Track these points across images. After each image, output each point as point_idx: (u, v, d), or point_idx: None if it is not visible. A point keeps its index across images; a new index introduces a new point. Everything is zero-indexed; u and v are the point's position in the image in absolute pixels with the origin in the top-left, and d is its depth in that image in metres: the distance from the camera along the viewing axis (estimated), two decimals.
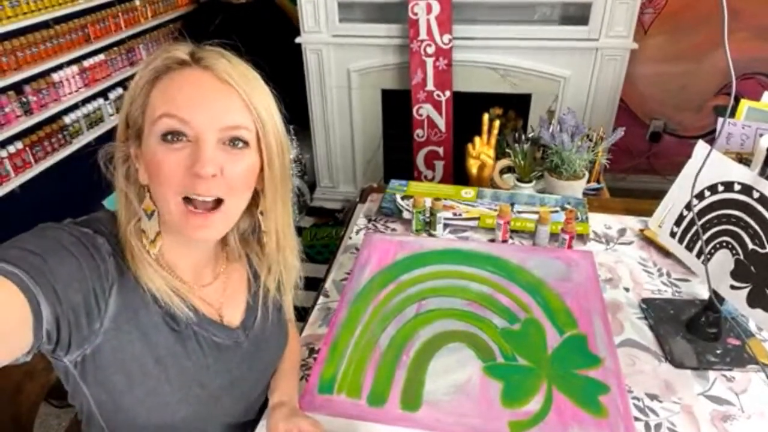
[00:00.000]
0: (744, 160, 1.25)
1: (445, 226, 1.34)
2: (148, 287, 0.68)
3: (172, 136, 0.63)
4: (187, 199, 0.65)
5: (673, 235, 1.02)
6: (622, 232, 1.33)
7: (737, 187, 0.88)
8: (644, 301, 1.09)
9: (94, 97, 2.69)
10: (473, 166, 1.57)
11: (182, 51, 0.66)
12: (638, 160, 3.10)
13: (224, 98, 0.65)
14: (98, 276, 0.63)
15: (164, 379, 0.70)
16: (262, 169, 0.71)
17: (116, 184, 0.70)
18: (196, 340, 0.74)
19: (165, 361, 0.70)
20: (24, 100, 2.31)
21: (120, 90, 2.81)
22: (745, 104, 1.34)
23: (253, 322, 0.83)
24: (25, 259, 0.56)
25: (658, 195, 1.24)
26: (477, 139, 1.56)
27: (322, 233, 2.94)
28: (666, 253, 1.21)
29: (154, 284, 0.68)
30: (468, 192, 1.45)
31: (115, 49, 2.81)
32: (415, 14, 2.43)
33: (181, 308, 0.71)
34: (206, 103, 0.64)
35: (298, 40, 2.71)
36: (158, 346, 0.70)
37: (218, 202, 0.67)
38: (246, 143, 0.67)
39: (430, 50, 2.51)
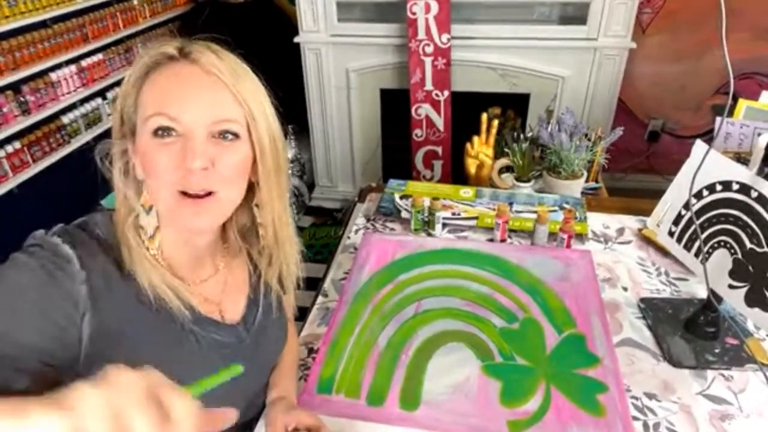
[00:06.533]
0: (742, 159, 1.25)
1: (444, 225, 1.34)
2: (144, 285, 0.68)
3: (162, 132, 0.64)
4: (178, 192, 0.65)
5: (671, 234, 1.02)
6: (620, 231, 1.33)
7: (735, 187, 0.88)
8: (643, 300, 1.09)
9: (92, 97, 2.70)
10: (472, 166, 1.57)
11: (171, 46, 0.66)
12: (637, 159, 3.11)
13: (212, 92, 0.65)
14: (65, 309, 0.62)
15: None
16: (255, 162, 0.71)
17: (114, 181, 0.70)
18: (195, 340, 0.73)
19: (160, 366, 0.70)
20: (22, 99, 2.31)
21: (118, 89, 2.82)
22: (743, 104, 1.35)
23: (254, 318, 0.82)
24: None
25: (657, 194, 1.24)
26: (476, 138, 1.56)
27: (321, 233, 2.94)
28: (664, 253, 1.22)
29: (151, 281, 0.68)
30: (467, 191, 1.45)
31: (114, 48, 2.81)
32: (414, 14, 2.43)
33: (177, 306, 0.70)
34: (195, 98, 0.64)
35: (296, 39, 2.71)
36: (152, 353, 0.69)
37: (212, 193, 0.67)
38: (236, 136, 0.67)
39: (429, 50, 2.51)
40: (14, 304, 0.60)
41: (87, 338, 0.64)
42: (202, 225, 0.69)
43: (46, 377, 0.60)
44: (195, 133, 0.64)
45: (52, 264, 0.62)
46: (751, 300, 0.85)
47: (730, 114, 1.36)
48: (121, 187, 0.69)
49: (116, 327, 0.66)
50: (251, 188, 0.74)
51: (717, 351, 0.96)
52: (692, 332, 0.99)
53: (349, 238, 1.33)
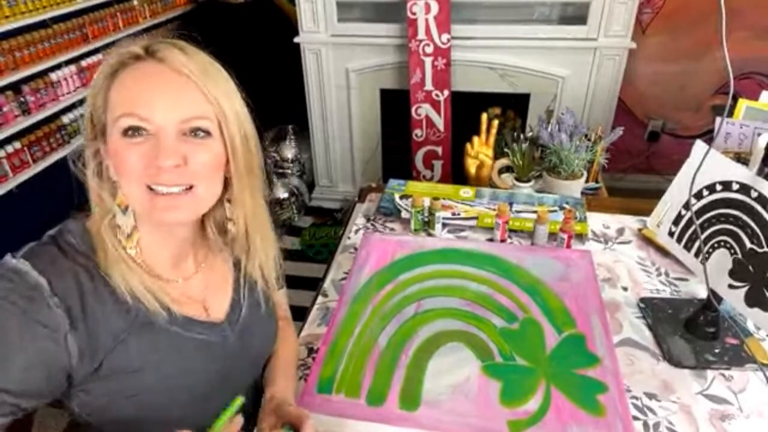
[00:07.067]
0: (742, 159, 1.25)
1: (444, 225, 1.34)
2: (122, 287, 0.67)
3: (133, 132, 0.64)
4: (151, 189, 0.65)
5: (671, 234, 1.02)
6: (620, 231, 1.33)
7: (735, 187, 0.88)
8: (642, 300, 1.09)
9: None
10: (472, 166, 1.57)
11: (137, 45, 0.66)
12: (637, 159, 3.11)
13: (181, 90, 0.65)
14: (49, 336, 0.63)
15: (148, 389, 0.71)
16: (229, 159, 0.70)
17: (88, 182, 0.69)
18: (175, 344, 0.73)
19: (144, 372, 0.70)
20: (22, 99, 2.31)
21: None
22: (743, 103, 1.35)
23: (239, 314, 0.82)
24: None
25: (657, 194, 1.24)
26: (475, 138, 1.56)
27: (321, 233, 2.94)
28: (664, 253, 1.22)
29: (128, 283, 0.68)
30: (467, 191, 1.45)
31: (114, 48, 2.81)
32: (414, 14, 2.43)
33: (155, 307, 0.70)
34: (163, 97, 0.64)
35: (296, 39, 2.71)
36: (134, 361, 0.69)
37: (189, 188, 0.67)
38: (208, 133, 0.67)
39: (429, 50, 2.51)
40: (6, 349, 0.61)
41: (76, 355, 0.65)
42: (179, 219, 0.69)
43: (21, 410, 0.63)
44: (166, 132, 0.64)
45: (23, 299, 0.62)
46: (751, 300, 0.85)
47: (730, 114, 1.36)
48: (95, 188, 0.69)
49: (100, 339, 0.67)
50: (228, 185, 0.74)
51: (717, 351, 0.96)
52: (692, 332, 0.99)
53: (349, 238, 1.33)
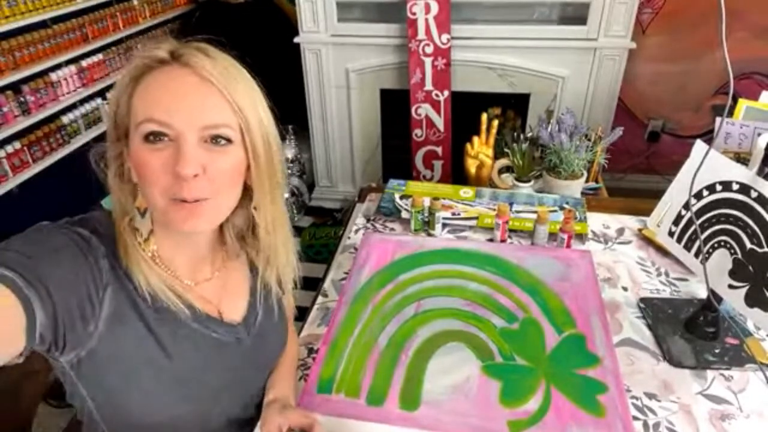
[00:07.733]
0: (742, 159, 1.25)
1: (444, 225, 1.34)
2: (142, 285, 0.68)
3: (153, 137, 0.63)
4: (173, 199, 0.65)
5: (671, 234, 1.02)
6: (620, 231, 1.33)
7: (735, 187, 0.88)
8: (642, 300, 1.09)
9: (92, 97, 2.70)
10: (472, 166, 1.57)
11: (162, 49, 0.66)
12: (637, 159, 3.11)
13: (204, 96, 0.64)
14: (92, 278, 0.64)
15: (160, 379, 0.70)
16: (250, 165, 0.70)
17: (109, 183, 0.70)
18: (193, 339, 0.74)
19: (160, 361, 0.70)
20: (22, 99, 2.31)
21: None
22: (743, 104, 1.35)
23: (254, 320, 0.83)
24: (20, 262, 0.57)
25: (657, 194, 1.24)
26: (475, 138, 1.56)
27: (321, 233, 2.93)
28: (664, 253, 1.22)
29: (149, 281, 0.68)
30: (466, 191, 1.45)
31: (114, 48, 2.81)
32: (414, 14, 2.43)
33: (177, 305, 0.71)
34: (186, 103, 0.64)
35: (296, 40, 2.71)
36: (153, 347, 0.70)
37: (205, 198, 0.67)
38: (229, 140, 0.66)
39: (429, 50, 2.51)
40: (54, 255, 0.61)
41: (105, 316, 0.65)
42: (197, 228, 0.68)
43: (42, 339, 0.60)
44: (186, 138, 0.63)
45: (76, 236, 0.65)
46: (751, 300, 0.85)
47: (730, 114, 1.36)
48: (116, 189, 0.70)
49: (127, 313, 0.67)
50: (247, 190, 0.73)
51: (717, 351, 0.96)
52: (692, 332, 0.99)
53: (349, 238, 1.33)
